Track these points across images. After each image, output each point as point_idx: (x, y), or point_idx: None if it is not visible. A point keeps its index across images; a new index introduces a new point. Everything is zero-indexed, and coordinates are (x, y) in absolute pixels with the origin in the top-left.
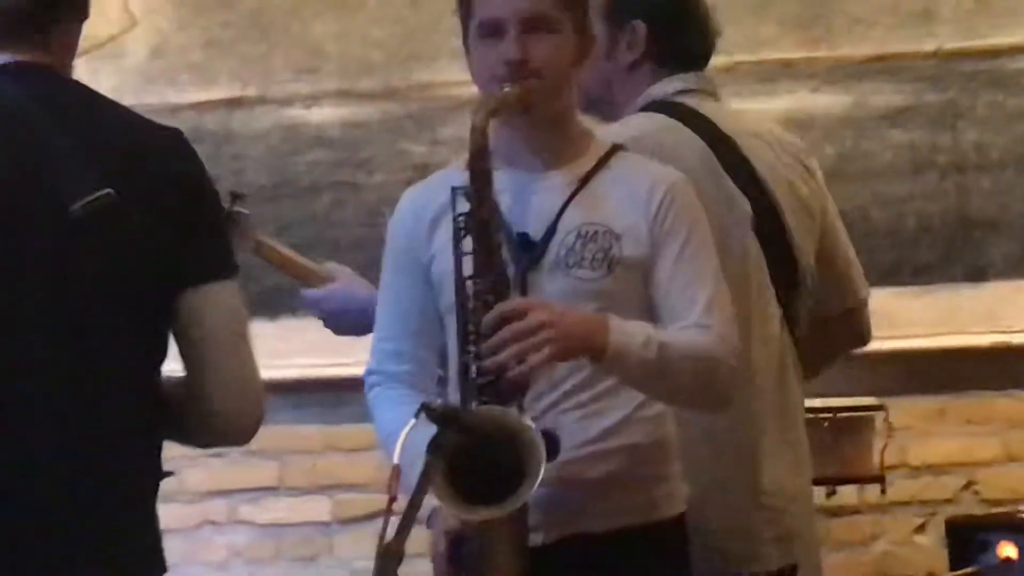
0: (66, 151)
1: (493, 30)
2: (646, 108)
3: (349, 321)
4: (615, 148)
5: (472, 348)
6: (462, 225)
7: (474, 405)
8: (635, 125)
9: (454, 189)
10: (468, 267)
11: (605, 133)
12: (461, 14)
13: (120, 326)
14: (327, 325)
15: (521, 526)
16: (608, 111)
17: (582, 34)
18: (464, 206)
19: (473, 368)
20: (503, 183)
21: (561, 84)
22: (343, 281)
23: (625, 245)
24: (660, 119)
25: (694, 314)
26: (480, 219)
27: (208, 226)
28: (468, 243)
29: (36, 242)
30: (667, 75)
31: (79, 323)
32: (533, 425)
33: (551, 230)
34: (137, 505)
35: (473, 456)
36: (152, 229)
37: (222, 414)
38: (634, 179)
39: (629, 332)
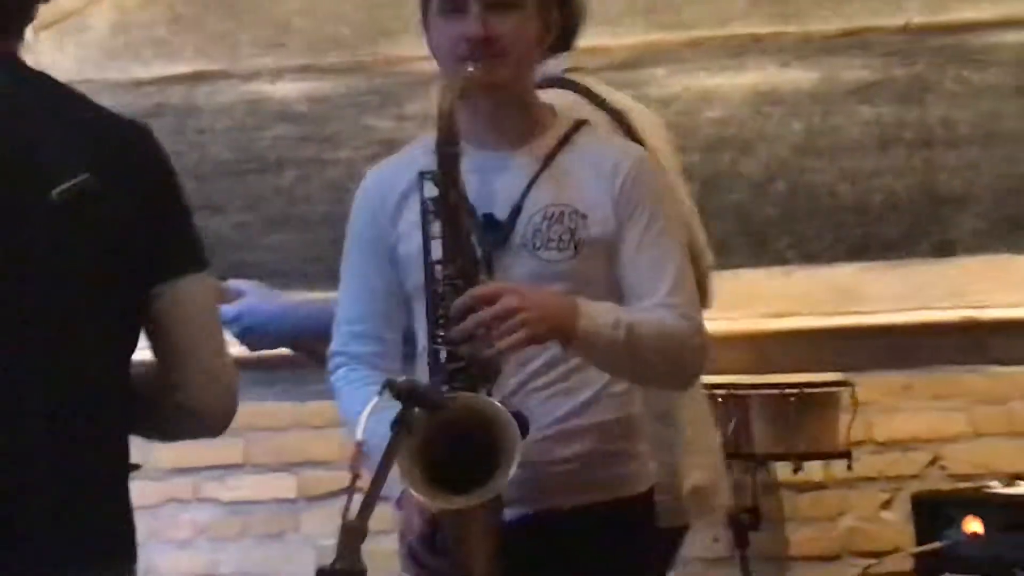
0: (54, 137)
1: (455, 6)
2: (540, 86)
3: (268, 336)
4: (579, 124)
5: (442, 333)
6: (430, 210)
7: (445, 391)
8: (555, 102)
9: (421, 174)
10: (437, 251)
11: None
12: None
13: (97, 314)
14: (244, 342)
15: (496, 511)
16: None
17: (544, 13)
18: (432, 191)
19: (443, 353)
20: (468, 164)
21: (525, 62)
22: (254, 296)
23: (591, 225)
24: (571, 95)
25: (660, 293)
26: (449, 204)
27: (182, 218)
28: (436, 228)
29: (22, 227)
30: (551, 55)
31: (58, 310)
32: (507, 411)
33: (516, 210)
34: (110, 494)
35: (447, 443)
36: (131, 217)
37: (196, 407)
38: (599, 156)
39: (598, 314)
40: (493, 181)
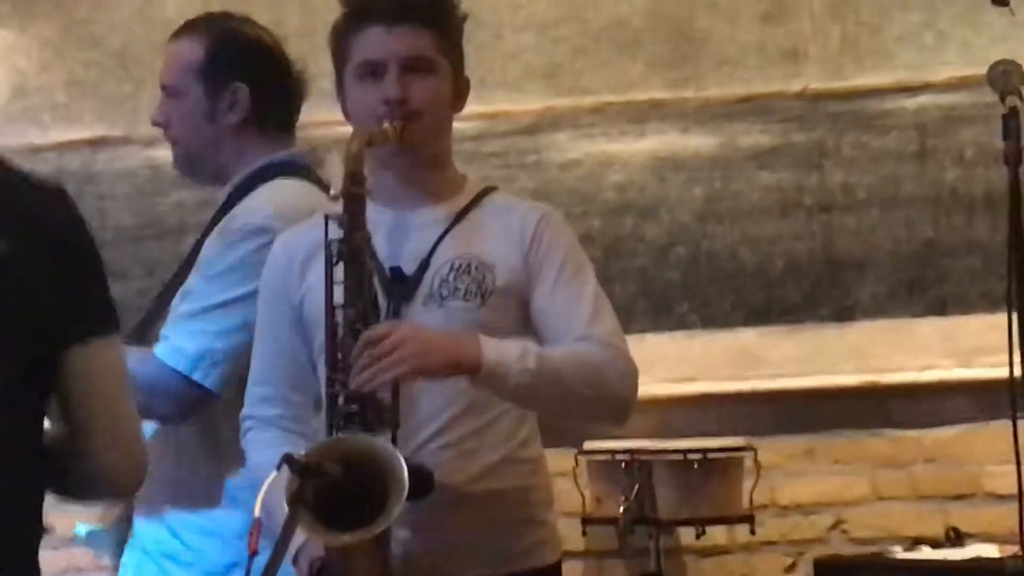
0: None
1: (373, 70)
2: (276, 170)
3: None
4: (488, 189)
5: (338, 376)
6: (334, 252)
7: (340, 432)
8: (300, 194)
9: (327, 216)
10: (340, 296)
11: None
12: (335, 56)
13: (11, 376)
14: None
15: (384, 553)
16: (213, 173)
17: (458, 78)
18: (337, 233)
19: (341, 397)
20: (380, 221)
21: (439, 125)
22: None
23: (499, 275)
24: (298, 187)
25: (577, 328)
26: (352, 245)
27: (96, 282)
28: (340, 272)
29: None
30: (272, 136)
31: None
32: (396, 451)
33: (424, 264)
34: (21, 560)
35: (340, 482)
36: (47, 280)
37: (106, 472)
38: (507, 213)
39: (502, 345)
40: (403, 238)
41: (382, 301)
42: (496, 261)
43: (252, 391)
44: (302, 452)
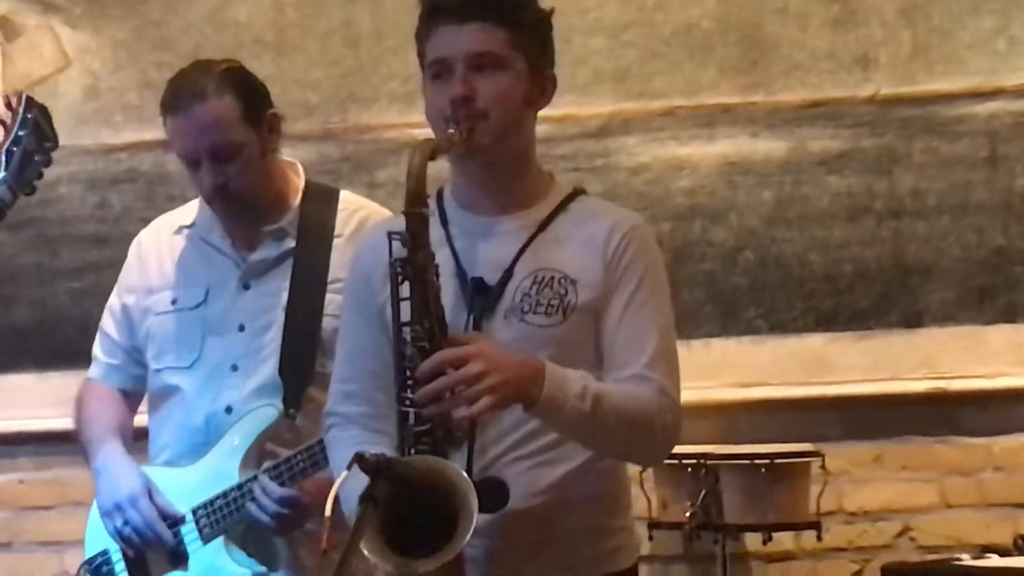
0: None
1: (442, 69)
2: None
3: None
4: (577, 191)
5: (408, 395)
6: (399, 270)
7: (412, 452)
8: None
9: (390, 234)
10: (406, 314)
11: None
12: (420, 57)
13: None
14: None
15: (458, 571)
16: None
17: (537, 75)
18: (401, 251)
19: (411, 415)
20: (460, 226)
21: (510, 123)
22: None
23: (581, 291)
24: None
25: (638, 364)
26: (416, 264)
27: None
28: (405, 289)
29: None
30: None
31: None
32: (466, 474)
33: (507, 275)
34: None
35: (409, 505)
36: None
37: None
38: (594, 222)
39: (565, 382)
40: (485, 246)
41: (460, 313)
42: (579, 276)
43: (336, 387)
44: (380, 451)
